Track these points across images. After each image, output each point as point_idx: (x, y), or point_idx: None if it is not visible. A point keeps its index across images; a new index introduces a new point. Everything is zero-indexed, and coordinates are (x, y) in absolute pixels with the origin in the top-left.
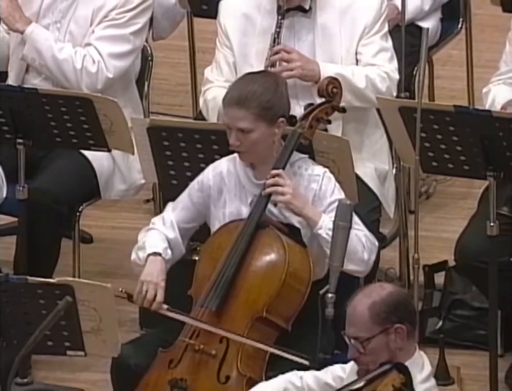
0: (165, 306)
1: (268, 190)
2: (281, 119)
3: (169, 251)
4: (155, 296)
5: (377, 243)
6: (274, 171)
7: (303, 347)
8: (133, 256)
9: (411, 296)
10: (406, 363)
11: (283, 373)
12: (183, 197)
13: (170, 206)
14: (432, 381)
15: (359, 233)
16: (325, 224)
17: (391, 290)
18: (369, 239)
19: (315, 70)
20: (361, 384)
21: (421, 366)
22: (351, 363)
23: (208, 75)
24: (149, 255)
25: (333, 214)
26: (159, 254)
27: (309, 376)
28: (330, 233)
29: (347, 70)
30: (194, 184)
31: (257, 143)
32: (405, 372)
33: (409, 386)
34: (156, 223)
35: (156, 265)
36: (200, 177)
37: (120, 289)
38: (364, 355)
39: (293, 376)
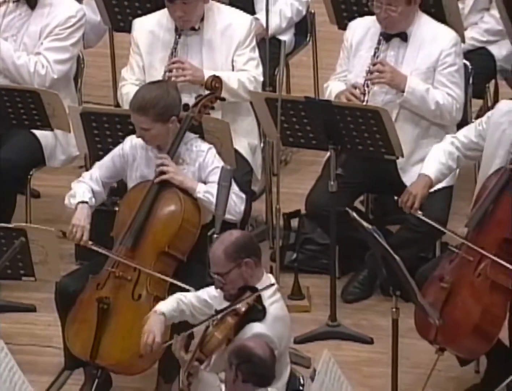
0: (90, 242)
1: (157, 170)
2: (173, 117)
3: (93, 199)
4: (82, 235)
5: (244, 196)
6: (160, 161)
7: (196, 274)
8: (66, 201)
9: (255, 235)
10: (257, 285)
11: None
12: (107, 159)
13: (96, 165)
14: (278, 295)
15: (233, 195)
16: (202, 189)
17: (238, 234)
18: (238, 195)
19: (201, 76)
20: (228, 308)
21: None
22: None
23: (124, 74)
24: (78, 203)
25: (215, 177)
26: (86, 202)
27: (191, 295)
28: (206, 194)
29: (224, 76)
30: (116, 151)
31: (155, 136)
32: (256, 292)
33: (260, 302)
34: (85, 176)
35: (83, 211)
36: (121, 146)
37: (60, 231)
38: (226, 285)
39: (180, 295)
